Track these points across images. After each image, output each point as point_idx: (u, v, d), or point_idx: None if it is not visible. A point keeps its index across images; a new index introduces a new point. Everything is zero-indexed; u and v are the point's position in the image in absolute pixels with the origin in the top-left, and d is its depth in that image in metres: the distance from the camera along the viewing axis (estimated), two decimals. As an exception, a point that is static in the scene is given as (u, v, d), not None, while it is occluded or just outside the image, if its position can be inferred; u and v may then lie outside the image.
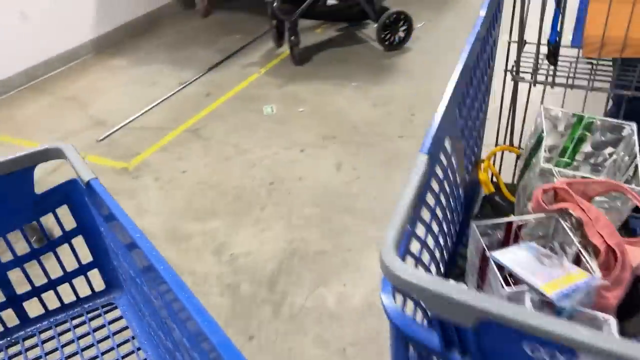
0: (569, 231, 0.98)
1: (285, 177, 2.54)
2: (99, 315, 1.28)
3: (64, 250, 1.23)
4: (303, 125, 2.95)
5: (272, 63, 3.70)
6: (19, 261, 1.19)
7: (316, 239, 2.16)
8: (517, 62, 1.33)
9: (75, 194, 1.14)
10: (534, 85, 1.41)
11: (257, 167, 2.64)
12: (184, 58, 3.88)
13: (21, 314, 1.24)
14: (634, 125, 1.17)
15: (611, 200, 1.09)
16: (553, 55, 1.17)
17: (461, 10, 4.28)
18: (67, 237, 1.21)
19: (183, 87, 3.45)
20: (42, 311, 1.27)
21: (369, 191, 2.39)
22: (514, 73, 1.40)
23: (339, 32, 4.09)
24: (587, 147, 1.27)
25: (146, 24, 4.42)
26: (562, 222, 0.99)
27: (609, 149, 1.24)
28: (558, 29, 1.15)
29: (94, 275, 1.28)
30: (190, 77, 3.56)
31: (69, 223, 1.22)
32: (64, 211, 1.20)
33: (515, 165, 1.58)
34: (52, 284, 1.25)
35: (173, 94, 3.39)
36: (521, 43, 1.24)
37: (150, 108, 3.24)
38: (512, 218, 1.01)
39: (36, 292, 1.24)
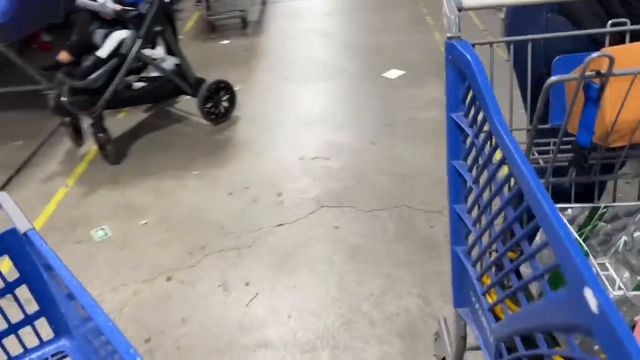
0: None
1: (162, 325, 1.93)
2: (48, 366, 1.25)
3: (7, 301, 1.14)
4: (156, 242, 2.35)
5: (80, 169, 2.97)
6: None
7: (244, 403, 1.63)
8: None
9: (15, 244, 1.12)
10: (547, 189, 1.18)
11: (117, 320, 1.96)
12: (-51, 189, 2.88)
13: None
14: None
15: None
16: (584, 160, 0.92)
17: (269, 63, 4.09)
18: (9, 287, 1.16)
19: (-38, 232, 2.51)
20: (-13, 366, 1.24)
21: (278, 309, 1.94)
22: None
23: (148, 112, 3.51)
24: (596, 238, 1.08)
25: None
26: None
27: (618, 233, 1.07)
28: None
29: (42, 324, 1.21)
30: (-31, 215, 2.63)
31: (12, 273, 1.13)
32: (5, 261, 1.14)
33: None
34: (-4, 338, 1.21)
35: (-51, 246, 2.43)
36: (532, 139, 0.98)
37: None
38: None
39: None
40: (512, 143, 0.76)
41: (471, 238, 1.12)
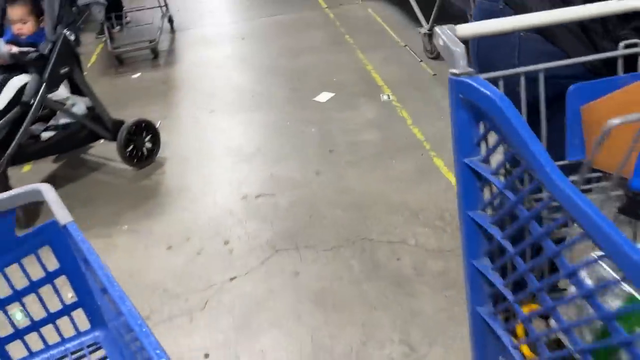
0: None
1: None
2: (83, 356, 1.26)
3: (47, 290, 1.19)
4: (89, 318, 2.01)
5: (-17, 238, 2.53)
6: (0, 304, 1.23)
7: None
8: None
9: (56, 235, 1.15)
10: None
11: None
12: None
13: (4, 356, 1.26)
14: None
15: None
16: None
17: (189, 95, 3.81)
18: (49, 277, 1.20)
19: None
20: (26, 353, 1.26)
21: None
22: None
23: (59, 163, 3.11)
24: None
25: None
26: None
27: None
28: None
29: (79, 314, 1.25)
30: None
31: (52, 263, 1.18)
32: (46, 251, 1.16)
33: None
34: (35, 326, 1.24)
35: None
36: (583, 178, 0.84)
37: None
38: None
39: (19, 334, 1.24)
40: (584, 201, 0.62)
41: (492, 294, 0.98)
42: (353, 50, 4.21)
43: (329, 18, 5.02)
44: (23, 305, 1.24)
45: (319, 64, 4.04)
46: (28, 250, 1.19)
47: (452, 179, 2.57)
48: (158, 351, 0.75)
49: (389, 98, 3.39)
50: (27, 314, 2.14)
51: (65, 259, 1.20)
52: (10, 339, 1.25)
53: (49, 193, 1.14)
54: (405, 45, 4.14)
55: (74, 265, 1.19)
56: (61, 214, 1.10)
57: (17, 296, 1.21)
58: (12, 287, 1.21)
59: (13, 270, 1.15)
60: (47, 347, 1.28)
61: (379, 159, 2.79)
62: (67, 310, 1.26)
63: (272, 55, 4.34)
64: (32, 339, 1.24)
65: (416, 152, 2.81)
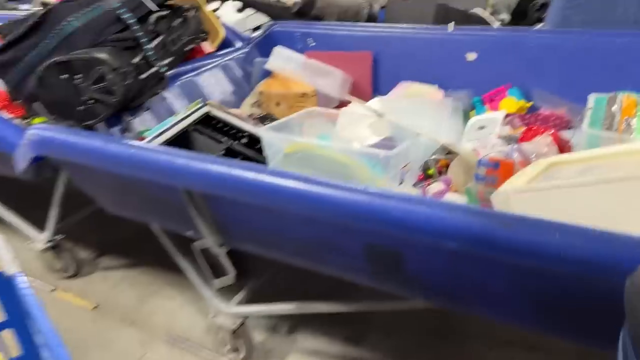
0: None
1: None
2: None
3: None
4: None
5: None
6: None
7: None
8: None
9: (4, 285, 1.09)
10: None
11: None
12: None
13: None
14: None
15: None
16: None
17: None
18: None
19: None
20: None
21: None
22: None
23: None
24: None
25: None
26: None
27: None
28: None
29: None
30: None
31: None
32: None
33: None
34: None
35: None
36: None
37: None
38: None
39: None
40: None
41: None
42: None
43: None
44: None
45: None
46: None
47: None
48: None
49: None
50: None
51: (12, 311, 1.16)
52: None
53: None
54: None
55: (22, 318, 1.14)
56: (8, 263, 1.06)
57: None
58: None
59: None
60: None
61: None
62: None
63: None
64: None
65: None
